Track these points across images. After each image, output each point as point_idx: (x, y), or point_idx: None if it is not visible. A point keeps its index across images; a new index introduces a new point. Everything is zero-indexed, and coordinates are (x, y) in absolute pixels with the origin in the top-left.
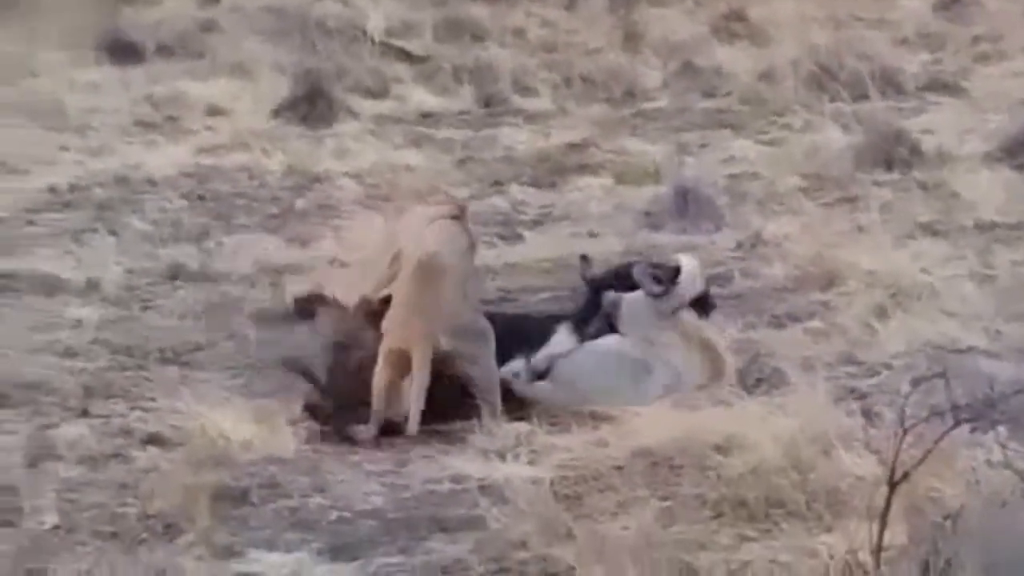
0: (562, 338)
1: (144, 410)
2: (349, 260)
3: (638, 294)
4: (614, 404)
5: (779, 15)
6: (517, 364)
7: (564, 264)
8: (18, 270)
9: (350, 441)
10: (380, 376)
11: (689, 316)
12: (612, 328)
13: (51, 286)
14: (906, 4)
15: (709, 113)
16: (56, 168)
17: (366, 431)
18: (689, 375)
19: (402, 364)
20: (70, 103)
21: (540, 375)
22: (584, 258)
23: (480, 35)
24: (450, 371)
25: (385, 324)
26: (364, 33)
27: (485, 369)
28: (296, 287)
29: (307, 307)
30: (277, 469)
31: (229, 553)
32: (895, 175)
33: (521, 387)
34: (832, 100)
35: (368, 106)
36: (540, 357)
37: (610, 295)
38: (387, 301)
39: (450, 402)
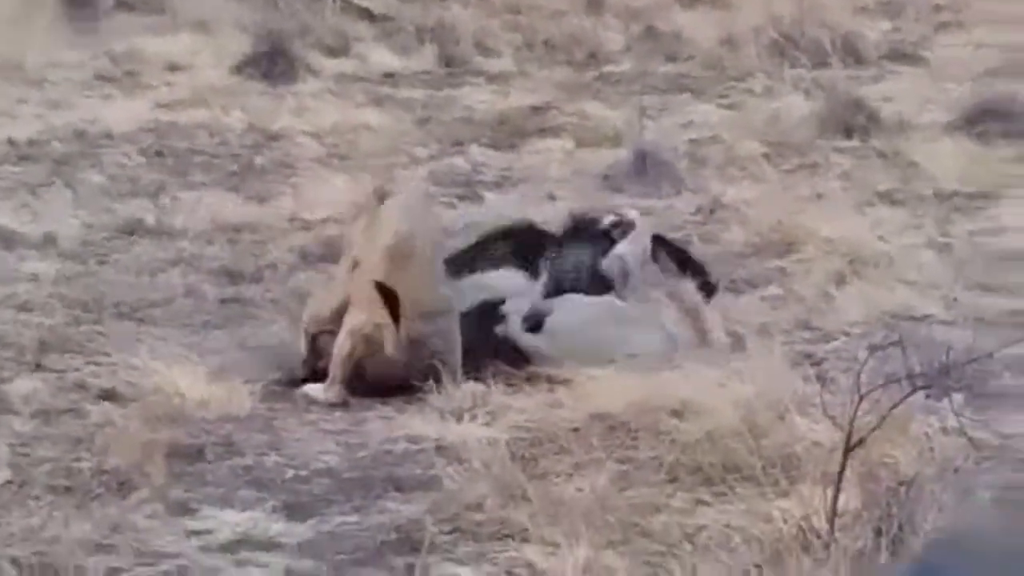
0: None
1: (99, 365)
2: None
3: (631, 249)
4: (605, 356)
5: None
6: (514, 305)
7: None
8: None
9: (307, 400)
10: (343, 346)
11: (683, 284)
12: (607, 288)
13: (7, 240)
14: None
15: (670, 77)
16: (15, 121)
17: (326, 394)
18: (680, 337)
19: (369, 344)
20: (29, 57)
21: (531, 328)
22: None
23: None
24: (418, 349)
25: (353, 298)
26: None
27: (448, 336)
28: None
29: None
30: (232, 427)
31: (183, 510)
32: (855, 143)
33: (517, 336)
34: (793, 67)
35: (329, 65)
36: (528, 313)
37: (611, 254)
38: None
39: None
